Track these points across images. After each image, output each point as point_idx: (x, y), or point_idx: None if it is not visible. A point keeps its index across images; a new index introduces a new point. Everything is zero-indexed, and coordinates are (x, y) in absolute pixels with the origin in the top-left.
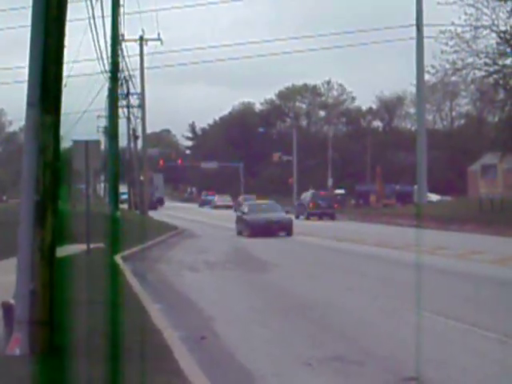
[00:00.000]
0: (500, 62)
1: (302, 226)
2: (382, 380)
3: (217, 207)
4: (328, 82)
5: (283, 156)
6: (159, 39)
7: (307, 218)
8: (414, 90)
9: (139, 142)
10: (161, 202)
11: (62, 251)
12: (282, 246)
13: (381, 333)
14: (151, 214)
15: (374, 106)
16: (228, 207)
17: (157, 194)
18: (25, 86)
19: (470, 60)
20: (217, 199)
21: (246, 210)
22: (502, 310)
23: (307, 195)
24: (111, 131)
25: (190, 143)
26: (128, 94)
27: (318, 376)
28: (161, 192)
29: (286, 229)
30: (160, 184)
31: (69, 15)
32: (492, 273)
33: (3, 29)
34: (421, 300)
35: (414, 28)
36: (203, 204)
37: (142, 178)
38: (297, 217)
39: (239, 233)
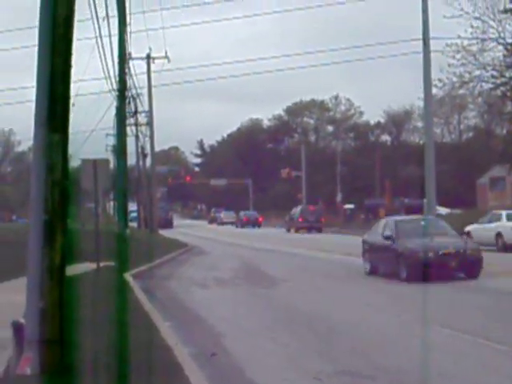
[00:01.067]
0: (507, 74)
1: (310, 240)
2: None
3: (223, 223)
4: (336, 97)
5: (292, 172)
6: (166, 57)
7: (296, 231)
8: (421, 103)
9: (148, 160)
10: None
11: (72, 270)
12: (290, 260)
13: (391, 347)
14: (164, 232)
15: (382, 121)
16: (232, 223)
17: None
18: (33, 105)
19: (477, 73)
20: (223, 216)
21: (388, 231)
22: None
23: (297, 210)
24: (119, 149)
25: (198, 160)
26: (136, 112)
27: None
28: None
29: (470, 266)
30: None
31: (76, 34)
32: (501, 285)
33: (9, 49)
34: (432, 313)
35: (421, 42)
36: (212, 221)
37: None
38: (288, 230)
39: (373, 271)
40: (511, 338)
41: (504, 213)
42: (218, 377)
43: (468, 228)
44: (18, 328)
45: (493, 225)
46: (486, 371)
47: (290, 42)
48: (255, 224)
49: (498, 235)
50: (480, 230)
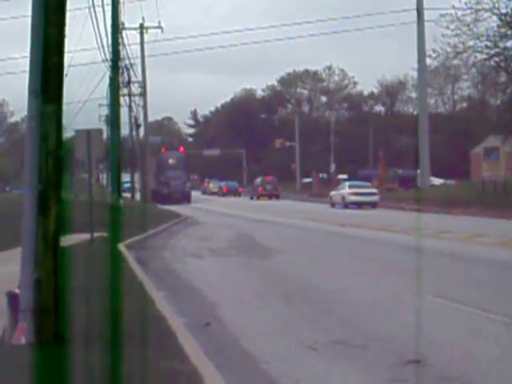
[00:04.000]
0: (501, 45)
1: (302, 212)
2: (385, 363)
3: (212, 193)
4: (329, 68)
5: (285, 142)
6: (160, 27)
7: (258, 199)
8: (415, 74)
9: (141, 131)
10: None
11: (66, 240)
12: (282, 231)
13: (383, 316)
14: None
15: (376, 91)
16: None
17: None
18: (26, 76)
19: (471, 43)
20: (211, 186)
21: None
22: (506, 292)
23: (257, 181)
24: (113, 120)
25: (191, 131)
26: (129, 82)
27: (323, 359)
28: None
29: None
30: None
31: (69, 4)
32: (495, 255)
33: (3, 19)
34: (424, 283)
35: (415, 12)
36: (206, 191)
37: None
38: (251, 198)
39: None
40: None
41: (347, 183)
42: (213, 346)
43: (331, 193)
44: (12, 298)
45: (340, 191)
46: None
47: (284, 12)
48: (235, 194)
49: (343, 197)
50: (335, 194)
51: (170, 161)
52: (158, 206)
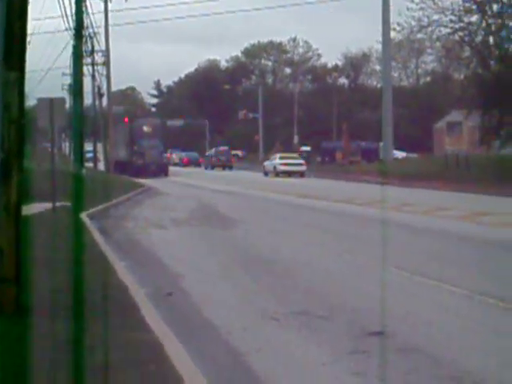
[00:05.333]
0: (465, 20)
1: (259, 182)
2: (347, 334)
3: (174, 164)
4: (294, 39)
5: (249, 113)
6: None
7: (212, 169)
8: (379, 47)
9: (104, 100)
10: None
11: (28, 210)
12: (244, 202)
13: (346, 287)
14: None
15: (340, 63)
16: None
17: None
18: None
19: (435, 17)
20: (174, 156)
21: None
22: (467, 265)
23: (211, 152)
24: (76, 89)
25: (155, 101)
26: (93, 51)
27: (285, 330)
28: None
29: None
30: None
31: None
32: (457, 229)
33: None
34: (386, 256)
35: None
36: (169, 162)
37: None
38: (205, 168)
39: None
40: None
41: (278, 155)
42: (175, 316)
43: (264, 163)
44: None
45: (273, 161)
46: None
47: None
48: (196, 164)
49: (274, 167)
50: (268, 164)
51: (145, 128)
52: (131, 178)
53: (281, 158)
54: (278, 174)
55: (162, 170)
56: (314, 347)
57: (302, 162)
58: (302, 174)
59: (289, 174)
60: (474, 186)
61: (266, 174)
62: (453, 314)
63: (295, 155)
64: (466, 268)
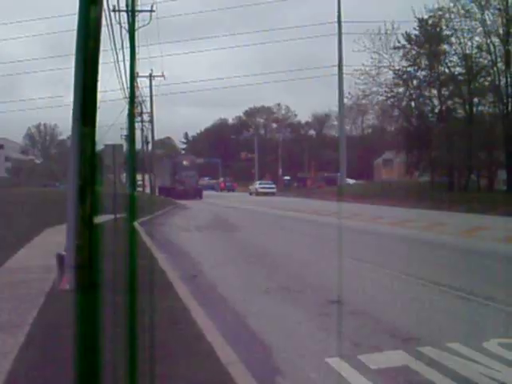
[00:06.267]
0: (395, 90)
1: (252, 201)
2: (315, 302)
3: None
4: (279, 104)
5: (248, 154)
6: (163, 76)
7: (220, 191)
8: (336, 109)
9: (149, 146)
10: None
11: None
12: (243, 214)
13: (315, 271)
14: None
15: (310, 120)
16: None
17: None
18: (70, 107)
19: (374, 89)
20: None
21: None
22: (398, 255)
23: (220, 179)
24: (130, 138)
25: (184, 146)
26: (142, 113)
27: (273, 300)
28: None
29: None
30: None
31: (101, 59)
32: (390, 231)
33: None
34: (344, 250)
35: (337, 68)
36: None
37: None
38: (215, 191)
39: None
40: None
41: (258, 181)
42: (198, 292)
43: (249, 186)
44: (60, 258)
45: (255, 186)
46: None
47: (247, 65)
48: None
49: (256, 189)
50: (251, 187)
51: (185, 162)
52: (172, 199)
53: (259, 184)
54: (257, 193)
55: (197, 194)
56: (292, 310)
57: (273, 185)
58: (273, 194)
59: (265, 193)
60: (401, 202)
61: (250, 194)
62: (388, 290)
63: (269, 182)
64: (397, 257)
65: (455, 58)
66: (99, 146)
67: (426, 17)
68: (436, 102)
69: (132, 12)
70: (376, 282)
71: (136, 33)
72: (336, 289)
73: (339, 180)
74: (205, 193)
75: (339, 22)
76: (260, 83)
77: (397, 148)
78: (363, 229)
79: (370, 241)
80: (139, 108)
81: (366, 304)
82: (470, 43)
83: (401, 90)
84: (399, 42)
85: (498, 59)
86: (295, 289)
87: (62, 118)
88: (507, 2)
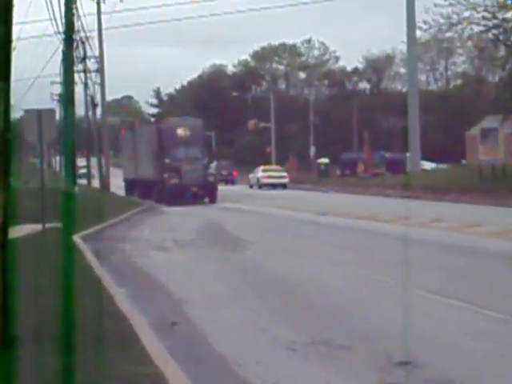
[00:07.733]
0: (500, 16)
1: (277, 198)
2: (372, 365)
3: None
4: (308, 41)
5: (260, 123)
6: None
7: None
8: (404, 47)
9: (98, 110)
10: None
11: (15, 232)
12: (251, 220)
13: (370, 314)
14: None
15: (361, 66)
16: None
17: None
18: None
19: (466, 14)
20: None
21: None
22: (499, 286)
23: (213, 165)
24: (66, 98)
25: (154, 110)
26: (85, 57)
27: (304, 361)
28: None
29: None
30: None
31: None
32: (489, 246)
33: None
34: (413, 277)
35: None
36: None
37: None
38: None
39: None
40: None
41: (261, 167)
42: (181, 349)
43: (249, 175)
44: None
45: (256, 174)
46: None
47: None
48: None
49: (258, 179)
50: (252, 177)
51: (181, 131)
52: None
53: (263, 170)
54: (260, 186)
55: (207, 193)
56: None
57: (284, 174)
58: (284, 186)
59: (272, 186)
60: (508, 199)
61: (251, 186)
62: (485, 338)
63: (278, 167)
64: (498, 289)
65: None
66: (17, 113)
67: None
68: None
69: None
70: (469, 330)
71: None
72: (404, 342)
73: (409, 164)
74: None
75: None
76: (279, 7)
77: (504, 110)
78: (445, 242)
79: (456, 262)
80: (81, 50)
81: (451, 367)
82: None
83: (510, 14)
84: None
85: None
86: (339, 343)
87: None
88: None
